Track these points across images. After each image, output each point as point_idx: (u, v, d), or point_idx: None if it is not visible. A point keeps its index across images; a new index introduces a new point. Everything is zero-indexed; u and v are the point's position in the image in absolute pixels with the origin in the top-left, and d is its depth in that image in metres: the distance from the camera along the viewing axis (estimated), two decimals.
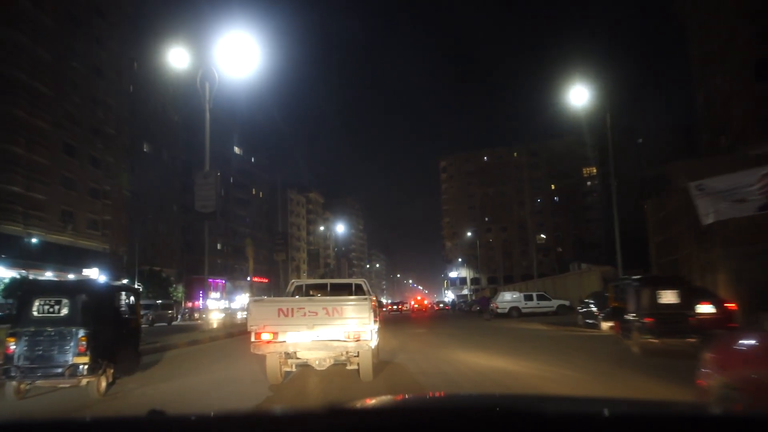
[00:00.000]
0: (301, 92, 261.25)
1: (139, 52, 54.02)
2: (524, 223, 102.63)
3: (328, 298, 8.44)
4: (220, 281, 76.57)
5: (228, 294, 77.02)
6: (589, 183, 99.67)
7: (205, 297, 64.09)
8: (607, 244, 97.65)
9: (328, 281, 10.84)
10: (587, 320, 18.67)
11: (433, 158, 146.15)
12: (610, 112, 24.74)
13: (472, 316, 37.50)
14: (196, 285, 69.84)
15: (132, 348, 8.93)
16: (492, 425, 1.24)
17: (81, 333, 7.33)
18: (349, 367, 7.97)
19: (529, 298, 30.99)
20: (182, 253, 65.40)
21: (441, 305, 58.95)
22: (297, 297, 9.41)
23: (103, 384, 7.67)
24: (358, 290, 9.67)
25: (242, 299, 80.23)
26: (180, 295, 61.77)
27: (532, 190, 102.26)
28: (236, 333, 20.59)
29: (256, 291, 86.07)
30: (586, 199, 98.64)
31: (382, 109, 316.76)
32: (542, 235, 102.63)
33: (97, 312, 7.71)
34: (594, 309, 18.25)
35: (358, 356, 7.68)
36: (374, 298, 8.37)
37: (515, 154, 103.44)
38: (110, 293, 9.03)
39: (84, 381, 7.29)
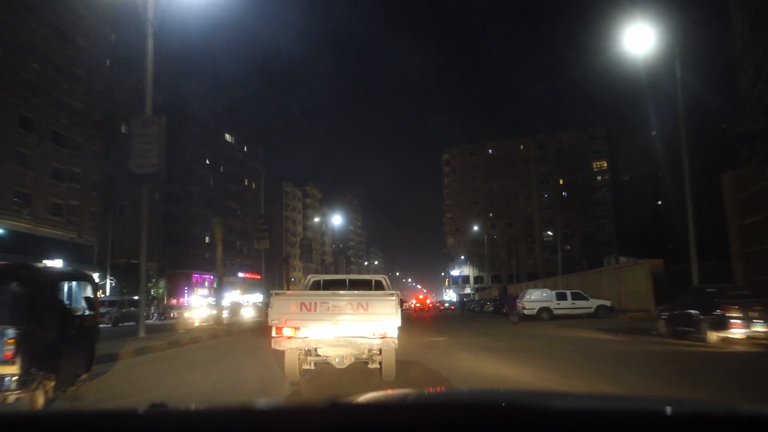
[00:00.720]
0: (300, 84, 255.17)
1: (117, 23, 48.39)
2: (531, 219, 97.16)
3: (353, 292, 7.81)
4: (208, 277, 70.86)
5: (217, 291, 71.39)
6: (599, 177, 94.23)
7: (189, 293, 58.46)
8: (618, 240, 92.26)
9: (347, 277, 10.05)
10: (682, 328, 13.02)
11: (436, 152, 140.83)
12: (680, 60, 19.10)
13: (488, 318, 31.87)
14: (180, 280, 64.19)
15: (83, 354, 6.93)
16: (497, 420, 1.22)
17: (9, 334, 5.55)
18: (370, 366, 7.48)
19: (561, 296, 25.37)
20: (164, 246, 59.70)
21: (446, 304, 53.25)
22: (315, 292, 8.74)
23: (40, 400, 5.70)
24: (378, 287, 9.05)
25: (232, 296, 74.63)
26: (161, 291, 56.14)
27: (539, 184, 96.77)
28: (205, 338, 15.12)
29: (247, 287, 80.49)
30: (596, 195, 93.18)
31: (383, 102, 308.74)
32: (549, 232, 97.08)
33: (33, 306, 5.94)
34: (694, 313, 12.59)
35: (380, 354, 7.22)
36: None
37: (522, 146, 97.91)
38: (54, 282, 6.86)
39: (12, 397, 5.38)
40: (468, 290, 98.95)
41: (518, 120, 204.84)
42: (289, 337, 7.00)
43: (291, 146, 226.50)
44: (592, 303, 25.25)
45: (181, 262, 63.53)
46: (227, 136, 76.19)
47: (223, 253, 72.47)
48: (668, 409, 1.39)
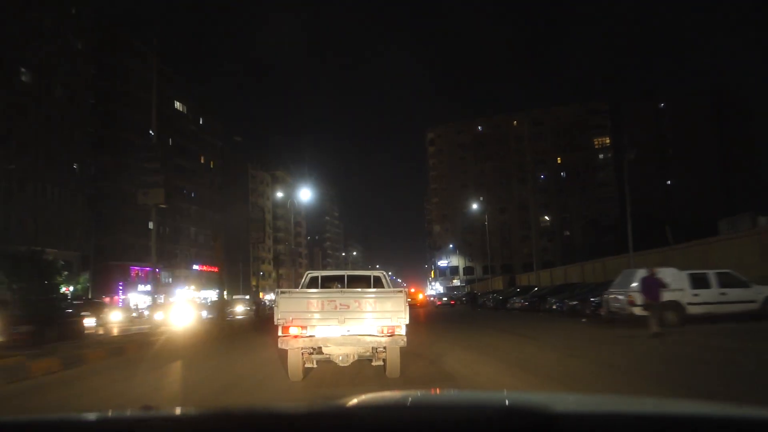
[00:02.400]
0: (272, 66, 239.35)
1: None
2: (525, 203, 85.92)
3: (360, 290, 7.50)
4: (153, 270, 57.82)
5: (164, 287, 58.46)
6: (601, 156, 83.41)
7: (119, 290, 45.14)
8: (623, 225, 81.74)
9: (345, 273, 9.10)
10: None
11: (419, 134, 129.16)
12: None
13: (541, 320, 19.91)
14: (114, 274, 51.16)
15: None
16: (499, 421, 1.20)
17: None
18: (374, 363, 7.24)
19: (700, 282, 13.56)
20: (89, 231, 46.68)
21: (444, 299, 41.31)
22: (312, 290, 7.98)
23: None
24: (377, 283, 8.46)
25: (185, 294, 61.89)
26: (80, 286, 43.18)
27: (534, 164, 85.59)
28: None
29: (204, 282, 67.74)
30: (598, 175, 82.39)
31: (361, 82, 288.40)
32: (546, 217, 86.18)
33: None
34: None
35: (385, 351, 6.99)
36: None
37: (515, 122, 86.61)
38: None
39: None
40: (457, 282, 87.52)
41: (510, 94, 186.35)
42: (296, 336, 6.77)
43: (260, 131, 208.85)
44: (756, 292, 13.54)
45: (115, 252, 50.57)
46: (177, 104, 63.09)
47: (173, 243, 58.59)
48: (672, 412, 1.37)
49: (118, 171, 51.57)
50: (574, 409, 1.45)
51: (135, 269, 52.95)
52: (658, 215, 71.57)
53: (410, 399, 1.72)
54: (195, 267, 63.52)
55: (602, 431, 1.20)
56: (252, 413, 1.31)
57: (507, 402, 1.52)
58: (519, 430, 1.14)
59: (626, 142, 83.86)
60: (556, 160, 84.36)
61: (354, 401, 1.39)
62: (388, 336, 6.68)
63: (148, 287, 55.90)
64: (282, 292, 6.99)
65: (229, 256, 68.21)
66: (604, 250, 58.04)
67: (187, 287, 60.97)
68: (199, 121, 67.54)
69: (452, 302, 41.28)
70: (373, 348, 6.93)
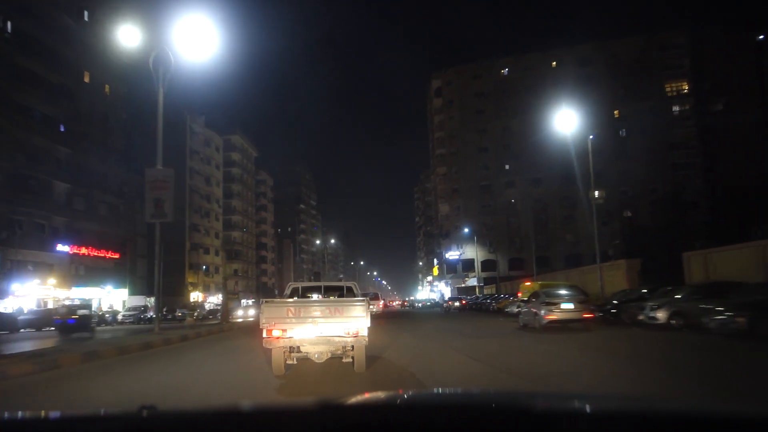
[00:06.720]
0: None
1: None
2: (569, 172, 60.25)
3: (331, 299, 9.35)
4: None
5: None
6: (676, 108, 58.14)
7: None
8: (710, 200, 56.50)
9: (322, 284, 11.50)
10: None
11: (418, 89, 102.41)
12: None
13: None
14: None
15: None
16: (488, 421, 1.20)
17: None
18: (344, 360, 8.15)
19: None
20: None
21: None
22: (296, 298, 9.70)
23: None
24: (349, 293, 10.16)
25: (35, 290, 34.86)
26: None
27: (581, 119, 59.98)
28: None
29: (87, 275, 40.58)
30: (672, 134, 57.18)
31: (346, 31, 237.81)
32: (596, 193, 60.42)
33: None
34: None
35: (353, 350, 7.96)
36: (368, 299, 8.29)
37: (554, 63, 61.06)
38: None
39: None
40: (472, 281, 61.37)
41: (547, 24, 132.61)
42: (278, 338, 7.57)
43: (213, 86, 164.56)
44: None
45: None
46: None
47: (18, 205, 28.94)
48: (657, 410, 1.34)
49: None
50: (567, 408, 1.39)
51: None
52: (762, 188, 46.72)
53: (400, 399, 1.64)
54: (62, 247, 36.16)
55: (593, 430, 1.17)
56: (243, 411, 1.29)
57: (496, 401, 1.47)
58: (508, 429, 1.12)
59: (711, 87, 59.21)
60: (612, 114, 58.91)
61: (342, 401, 1.34)
62: (353, 336, 7.55)
63: None
64: (266, 302, 7.90)
65: (134, 234, 41.40)
66: (692, 236, 33.18)
67: (37, 280, 33.76)
68: (84, 15, 40.42)
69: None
70: (342, 347, 7.79)
